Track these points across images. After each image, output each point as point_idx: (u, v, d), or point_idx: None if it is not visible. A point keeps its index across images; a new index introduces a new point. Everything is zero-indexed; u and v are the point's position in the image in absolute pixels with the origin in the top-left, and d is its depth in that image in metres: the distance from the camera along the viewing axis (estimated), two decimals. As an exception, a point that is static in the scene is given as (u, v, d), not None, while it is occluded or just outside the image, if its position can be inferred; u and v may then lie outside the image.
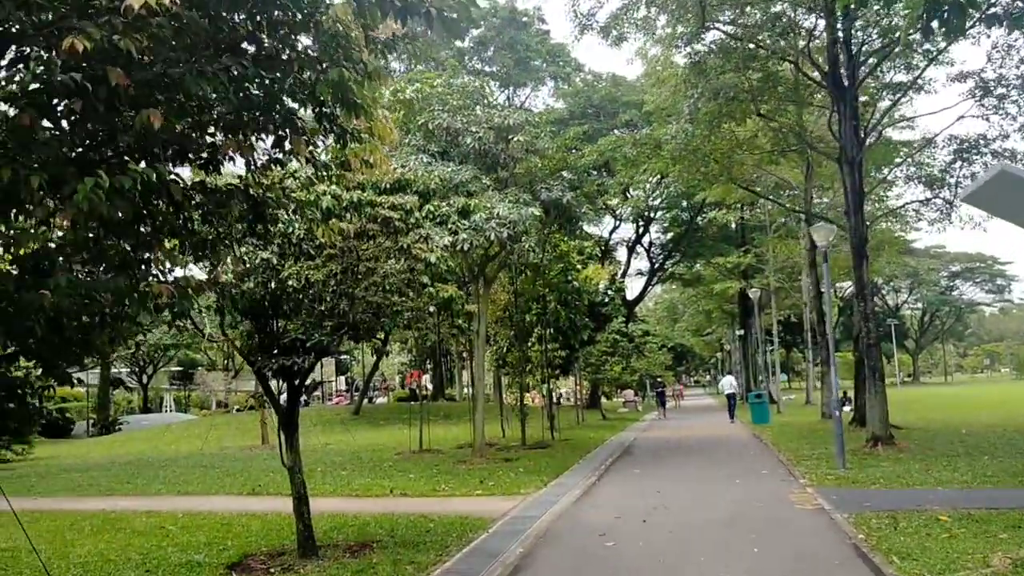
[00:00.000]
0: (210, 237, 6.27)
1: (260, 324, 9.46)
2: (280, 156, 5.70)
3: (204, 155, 5.64)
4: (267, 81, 4.64)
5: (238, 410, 50.03)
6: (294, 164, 7.27)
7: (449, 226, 10.22)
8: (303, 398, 50.10)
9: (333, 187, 8.13)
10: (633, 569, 8.73)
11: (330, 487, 15.32)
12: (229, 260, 9.15)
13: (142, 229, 5.51)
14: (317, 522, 11.44)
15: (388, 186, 8.85)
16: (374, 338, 9.59)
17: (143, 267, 5.31)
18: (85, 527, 11.98)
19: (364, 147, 6.27)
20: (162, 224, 5.70)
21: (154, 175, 4.22)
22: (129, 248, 5.49)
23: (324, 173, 6.63)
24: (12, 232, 4.09)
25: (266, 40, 4.57)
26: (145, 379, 69.97)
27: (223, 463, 21.41)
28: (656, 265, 58.12)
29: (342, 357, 78.08)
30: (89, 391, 55.71)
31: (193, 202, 5.46)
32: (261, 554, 9.64)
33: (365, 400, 46.24)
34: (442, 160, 16.94)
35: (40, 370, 5.81)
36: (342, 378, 78.08)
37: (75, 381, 5.89)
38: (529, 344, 27.01)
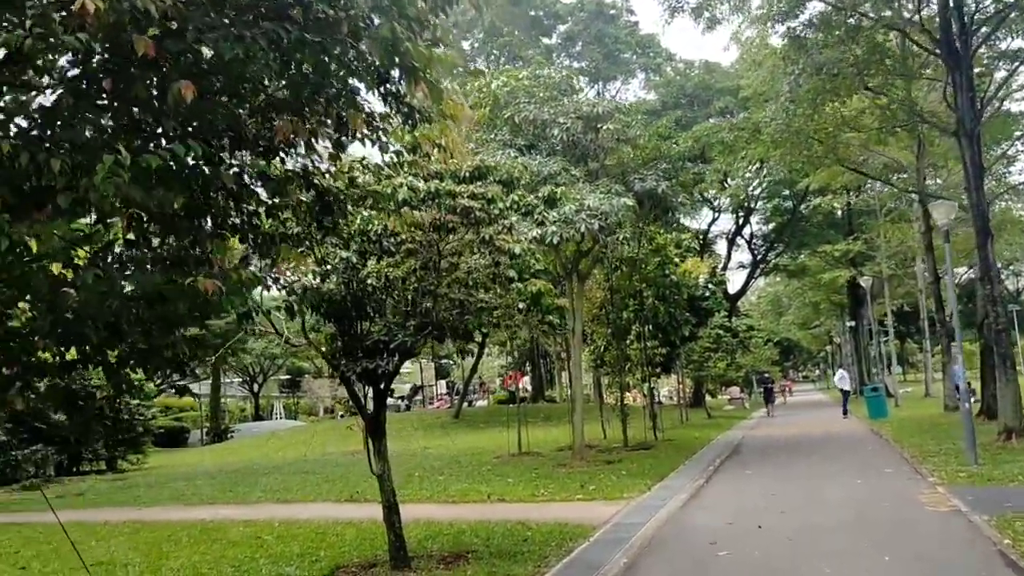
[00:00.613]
0: (276, 232, 5.85)
1: (343, 326, 9.09)
2: (343, 139, 5.23)
3: (262, 143, 5.22)
4: (317, 49, 4.16)
5: (342, 416, 50.68)
6: (364, 152, 6.80)
7: (536, 216, 9.64)
8: (404, 403, 50.50)
9: (410, 178, 7.67)
10: (749, 582, 7.96)
11: (427, 493, 14.96)
12: (310, 261, 8.85)
13: (201, 224, 5.12)
14: (412, 530, 11.06)
15: (468, 174, 8.35)
16: (460, 339, 9.05)
17: (202, 265, 4.91)
18: (183, 537, 11.91)
19: (435, 128, 5.77)
20: (222, 219, 5.31)
21: (188, 154, 3.79)
22: (187, 244, 5.12)
23: (396, 159, 6.14)
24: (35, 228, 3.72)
25: (315, 3, 4.08)
26: (256, 388, 72.33)
27: (324, 469, 21.39)
28: (758, 257, 56.20)
29: (442, 361, 78.71)
30: (201, 401, 57.79)
31: (251, 193, 5.05)
32: (353, 566, 9.28)
33: (465, 403, 46.11)
34: (529, 153, 16.40)
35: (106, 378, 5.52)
36: (443, 382, 78.63)
37: (139, 391, 5.55)
38: (627, 342, 26.19)
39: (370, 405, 9.32)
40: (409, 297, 8.51)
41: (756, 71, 27.47)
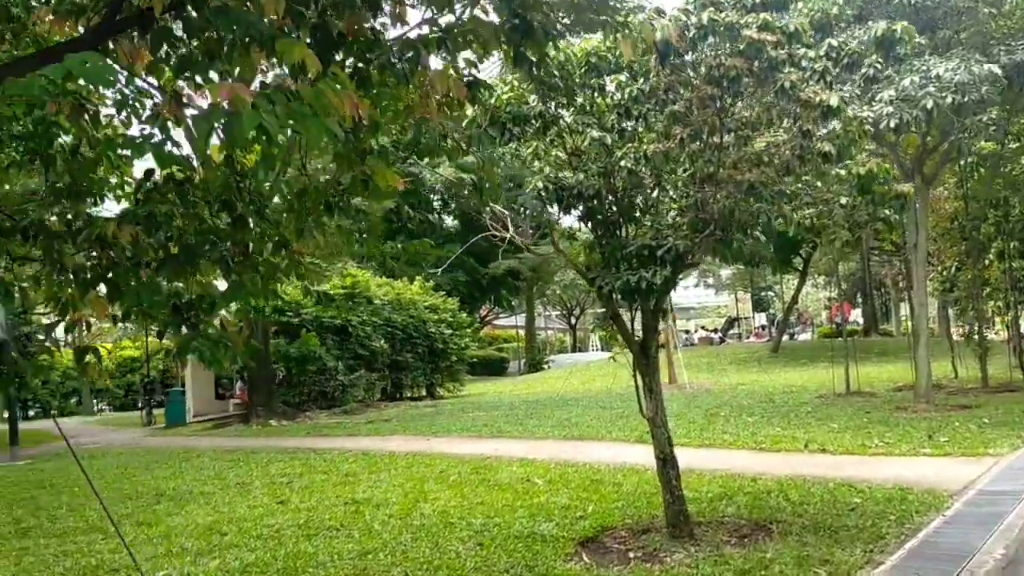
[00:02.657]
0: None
1: (601, 230, 7.16)
2: None
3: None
4: None
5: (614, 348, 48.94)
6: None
7: (863, 71, 6.95)
8: (719, 336, 47.66)
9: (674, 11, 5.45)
10: None
11: (730, 437, 12.73)
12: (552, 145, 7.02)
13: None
14: (704, 484, 9.06)
15: (759, 0, 5.89)
16: (753, 245, 6.49)
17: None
18: (452, 475, 10.86)
19: None
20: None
21: None
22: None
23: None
24: None
25: None
26: (573, 320, 73.90)
27: (623, 403, 19.81)
28: None
29: (763, 293, 74.25)
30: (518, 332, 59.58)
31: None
32: (622, 528, 7.47)
33: (785, 336, 42.43)
34: (858, 24, 13.11)
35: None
36: (762, 315, 74.35)
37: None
38: (986, 262, 21.55)
39: (639, 331, 7.34)
40: (679, 184, 6.36)
41: None
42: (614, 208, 6.99)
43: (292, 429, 20.16)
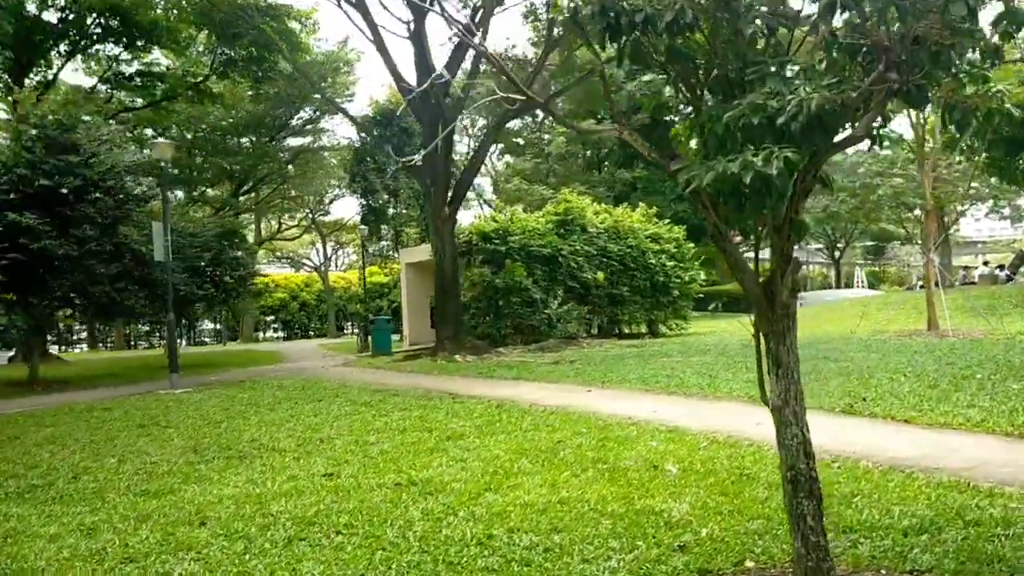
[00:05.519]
0: None
1: (702, 96, 4.29)
2: None
3: None
4: None
5: (920, 287, 42.59)
6: None
7: None
8: (1005, 274, 40.44)
9: None
10: None
11: (977, 413, 8.91)
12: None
13: None
14: (905, 499, 5.97)
15: None
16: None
17: None
18: (566, 448, 8.36)
19: None
20: None
21: None
22: None
23: None
24: None
25: None
26: (837, 254, 67.52)
27: (855, 354, 16.10)
28: None
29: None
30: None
31: None
32: (742, 572, 4.69)
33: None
34: None
35: None
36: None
37: None
38: None
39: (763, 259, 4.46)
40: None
41: None
42: (723, 58, 4.06)
43: (468, 367, 18.54)
